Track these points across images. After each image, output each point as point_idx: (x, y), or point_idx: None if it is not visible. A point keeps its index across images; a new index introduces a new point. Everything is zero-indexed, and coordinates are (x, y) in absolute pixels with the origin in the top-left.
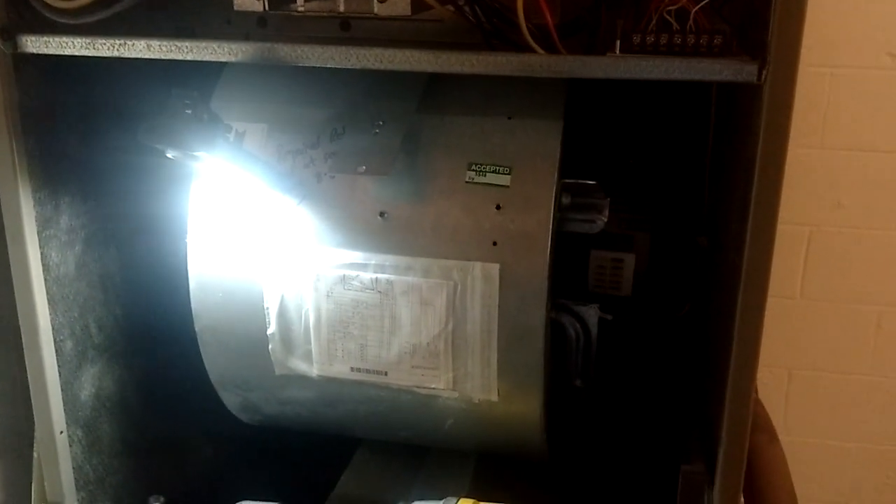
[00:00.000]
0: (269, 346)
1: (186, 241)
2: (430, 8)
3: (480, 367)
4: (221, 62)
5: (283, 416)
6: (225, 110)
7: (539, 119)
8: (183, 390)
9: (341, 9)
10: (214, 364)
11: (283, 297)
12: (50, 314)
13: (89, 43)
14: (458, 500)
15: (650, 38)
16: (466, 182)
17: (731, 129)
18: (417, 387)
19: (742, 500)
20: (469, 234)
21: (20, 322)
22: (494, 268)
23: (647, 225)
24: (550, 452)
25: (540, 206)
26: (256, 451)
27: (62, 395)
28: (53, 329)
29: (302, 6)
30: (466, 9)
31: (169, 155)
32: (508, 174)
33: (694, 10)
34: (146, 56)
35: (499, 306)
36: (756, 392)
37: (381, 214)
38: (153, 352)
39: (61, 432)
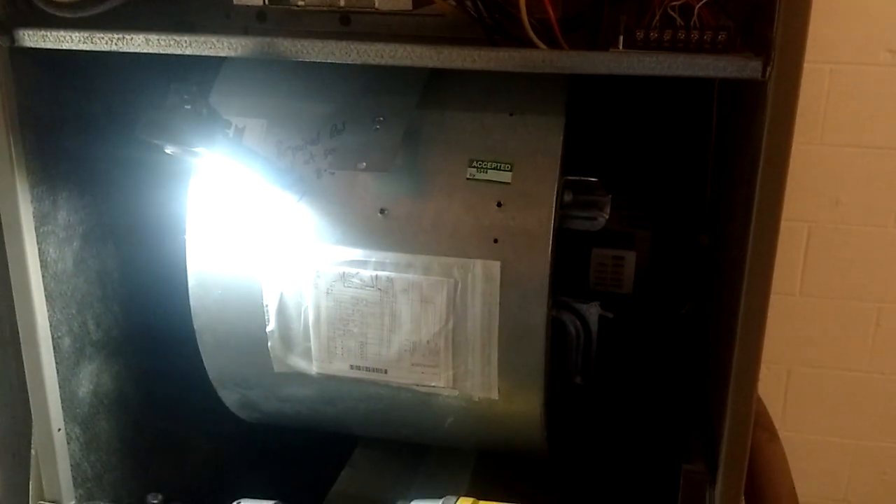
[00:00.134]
0: (269, 344)
1: (185, 237)
2: (430, 2)
3: (481, 365)
4: (221, 57)
5: (282, 413)
6: (224, 105)
7: (541, 115)
8: (181, 387)
9: (341, 3)
10: (213, 361)
11: (282, 294)
12: (48, 311)
13: (87, 37)
14: (457, 500)
15: (654, 34)
16: (467, 179)
17: (734, 126)
18: (417, 385)
19: (743, 499)
20: (470, 232)
21: (17, 319)
22: (495, 265)
23: (648, 222)
24: (550, 451)
25: (541, 203)
26: (255, 448)
27: (60, 392)
28: (51, 326)
29: (301, 0)
30: (468, 3)
31: (168, 150)
32: (510, 171)
33: (698, 5)
34: (145, 50)
35: (499, 304)
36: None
37: (382, 211)
38: (152, 349)
39: (59, 430)
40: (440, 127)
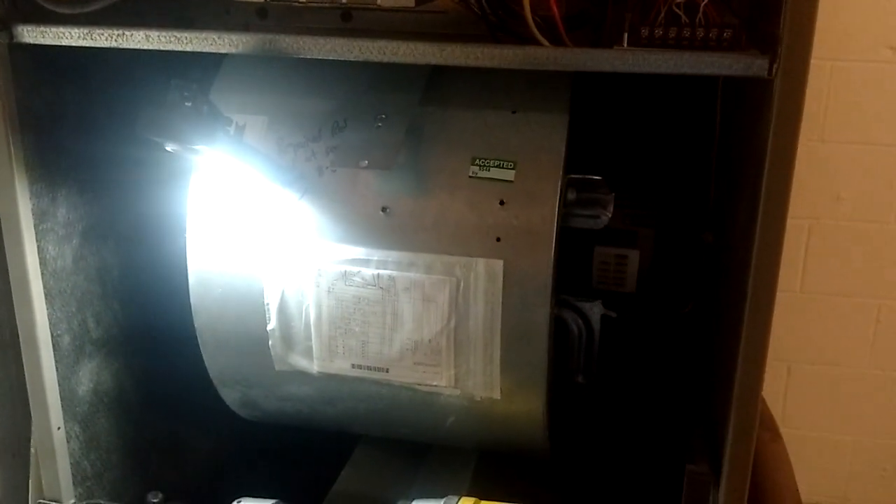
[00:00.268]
0: (270, 342)
1: (186, 235)
2: None
3: (483, 364)
4: (221, 53)
5: (283, 412)
6: (225, 102)
7: (544, 113)
8: (182, 386)
9: None
10: (214, 360)
11: (283, 292)
12: (47, 308)
13: (87, 33)
14: (459, 500)
15: (658, 32)
16: (470, 177)
17: (738, 124)
18: (419, 384)
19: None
20: (472, 230)
21: (16, 317)
22: (498, 264)
23: (651, 221)
24: (552, 451)
25: (544, 201)
26: (255, 447)
27: (59, 390)
28: (50, 324)
29: None
30: (471, 0)
31: (168, 148)
32: (512, 169)
33: (703, 2)
34: (144, 47)
35: (502, 303)
36: None
37: (384, 209)
38: (152, 347)
39: (59, 428)
40: (442, 124)
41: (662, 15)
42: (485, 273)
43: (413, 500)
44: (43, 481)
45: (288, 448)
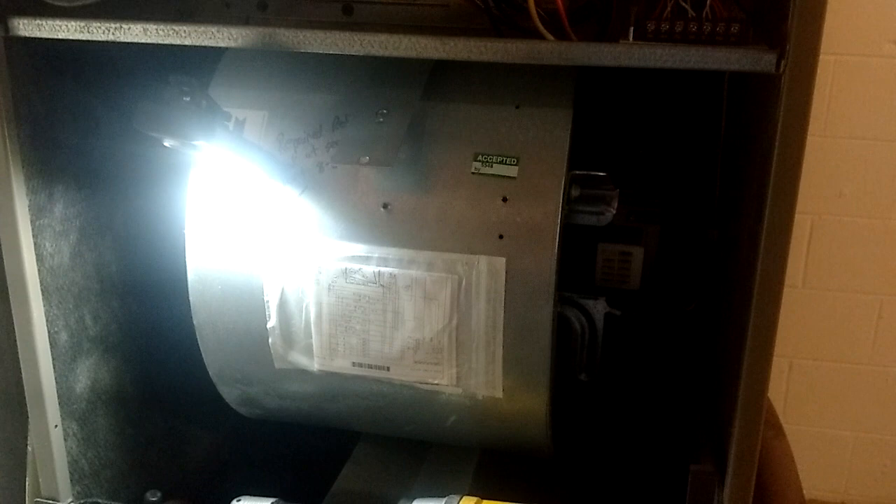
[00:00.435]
0: (269, 340)
1: (184, 232)
2: None
3: (485, 363)
4: (221, 47)
5: (283, 410)
6: (224, 97)
7: (548, 108)
8: (180, 383)
9: None
10: (213, 357)
11: (283, 290)
12: (44, 305)
13: (84, 26)
14: (460, 499)
15: (665, 26)
16: (472, 173)
17: (745, 120)
18: (420, 383)
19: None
20: (474, 227)
21: (13, 314)
22: (500, 262)
23: (656, 217)
24: (555, 449)
25: (548, 198)
26: (256, 445)
27: (56, 388)
28: (48, 321)
29: None
30: None
31: (166, 143)
32: (515, 165)
33: None
34: (143, 41)
35: (504, 301)
36: None
37: (385, 206)
38: (150, 344)
39: (56, 426)
40: (444, 120)
41: (669, 9)
42: (487, 270)
43: (414, 499)
44: (40, 480)
45: (288, 446)
